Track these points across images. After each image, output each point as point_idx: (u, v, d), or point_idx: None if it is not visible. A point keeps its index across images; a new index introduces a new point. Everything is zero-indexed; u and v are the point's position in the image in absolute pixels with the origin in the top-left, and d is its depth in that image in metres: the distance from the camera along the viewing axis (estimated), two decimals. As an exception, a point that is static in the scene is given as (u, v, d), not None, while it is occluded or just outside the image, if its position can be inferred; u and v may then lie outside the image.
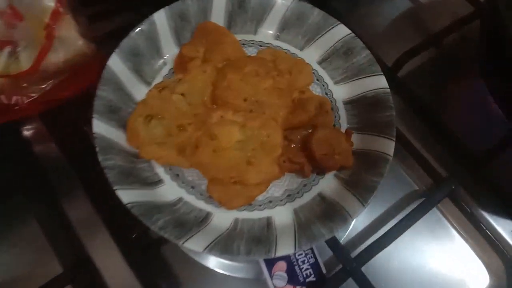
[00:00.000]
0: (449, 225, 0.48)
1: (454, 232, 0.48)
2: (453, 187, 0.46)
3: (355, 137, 0.43)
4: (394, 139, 0.40)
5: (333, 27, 0.47)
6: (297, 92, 0.44)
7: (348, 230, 0.46)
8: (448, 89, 0.56)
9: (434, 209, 0.48)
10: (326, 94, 0.46)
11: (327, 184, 0.41)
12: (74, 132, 0.47)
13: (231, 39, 0.47)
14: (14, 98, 0.45)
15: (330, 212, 0.38)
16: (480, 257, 0.47)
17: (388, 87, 0.43)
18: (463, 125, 0.52)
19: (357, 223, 0.47)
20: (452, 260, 0.47)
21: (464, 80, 0.56)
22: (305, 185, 0.41)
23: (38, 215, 0.46)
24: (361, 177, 0.40)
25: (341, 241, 0.44)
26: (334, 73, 0.47)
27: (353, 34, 0.46)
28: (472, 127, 0.52)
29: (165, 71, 0.47)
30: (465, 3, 0.60)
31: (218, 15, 0.48)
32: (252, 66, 0.44)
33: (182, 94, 0.43)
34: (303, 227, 0.38)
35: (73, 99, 0.47)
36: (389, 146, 0.40)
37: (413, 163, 0.49)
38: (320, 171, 0.42)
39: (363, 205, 0.37)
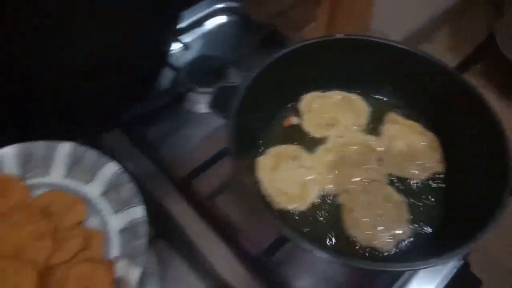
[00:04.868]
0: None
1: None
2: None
3: (122, 264, 0.47)
4: (141, 266, 0.45)
5: (106, 164, 0.53)
6: (64, 230, 0.48)
7: None
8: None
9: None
10: (105, 225, 0.51)
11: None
12: None
13: (18, 187, 0.52)
14: None
15: None
16: None
17: (143, 216, 0.49)
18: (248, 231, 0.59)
19: None
20: None
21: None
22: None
23: None
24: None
25: None
26: (111, 204, 0.52)
27: (121, 170, 0.52)
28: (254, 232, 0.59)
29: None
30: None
31: (10, 166, 0.53)
32: (19, 213, 0.48)
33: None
34: None
35: None
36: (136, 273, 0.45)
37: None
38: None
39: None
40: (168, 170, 0.63)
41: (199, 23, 0.85)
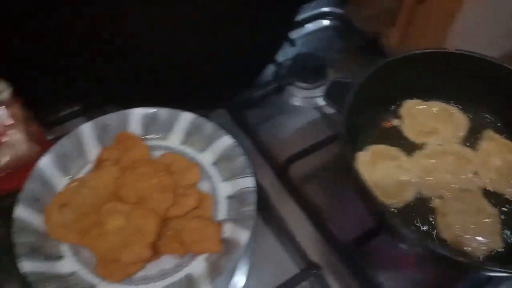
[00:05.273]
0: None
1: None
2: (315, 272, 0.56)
3: (229, 227, 0.52)
4: (250, 230, 0.50)
5: (222, 137, 0.58)
6: (182, 188, 0.54)
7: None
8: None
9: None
10: (214, 190, 0.56)
11: (197, 265, 0.50)
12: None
13: (141, 145, 0.59)
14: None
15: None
16: None
17: (254, 186, 0.53)
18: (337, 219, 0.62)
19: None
20: None
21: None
22: (178, 266, 0.50)
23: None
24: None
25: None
26: (221, 173, 0.57)
27: (236, 143, 0.57)
28: (344, 221, 0.63)
29: (87, 169, 0.57)
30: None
31: (135, 126, 0.60)
32: (145, 167, 0.55)
33: (92, 188, 0.53)
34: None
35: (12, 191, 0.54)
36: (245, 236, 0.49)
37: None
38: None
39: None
40: (264, 152, 0.69)
41: (303, 23, 0.90)
